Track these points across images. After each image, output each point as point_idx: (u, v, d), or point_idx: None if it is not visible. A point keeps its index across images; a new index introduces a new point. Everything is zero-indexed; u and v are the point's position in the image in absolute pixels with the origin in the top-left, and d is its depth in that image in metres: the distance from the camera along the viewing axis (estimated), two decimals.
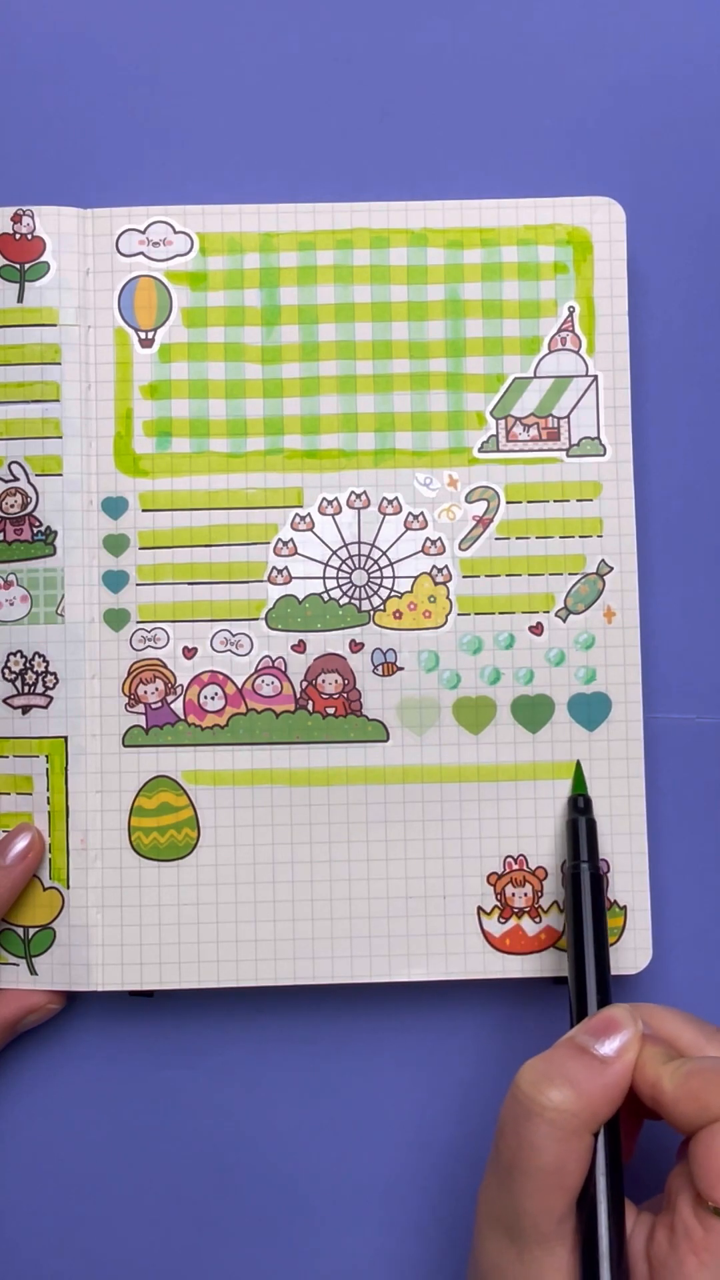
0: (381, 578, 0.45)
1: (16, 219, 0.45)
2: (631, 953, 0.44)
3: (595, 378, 0.45)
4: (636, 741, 0.44)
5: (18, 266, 0.45)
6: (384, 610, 0.45)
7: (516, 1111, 0.36)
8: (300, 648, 0.45)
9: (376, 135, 0.47)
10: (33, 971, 0.44)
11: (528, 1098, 0.36)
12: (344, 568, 0.45)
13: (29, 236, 0.45)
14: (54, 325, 0.45)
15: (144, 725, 0.44)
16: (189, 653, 0.45)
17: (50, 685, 0.44)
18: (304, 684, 0.44)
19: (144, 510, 0.45)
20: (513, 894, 0.44)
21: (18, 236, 0.45)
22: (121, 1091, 0.45)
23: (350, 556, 0.45)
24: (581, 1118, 0.36)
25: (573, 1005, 0.41)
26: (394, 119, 0.47)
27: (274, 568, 0.45)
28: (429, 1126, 0.45)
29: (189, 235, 0.45)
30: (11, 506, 0.44)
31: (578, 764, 0.44)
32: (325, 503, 0.45)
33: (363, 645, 0.45)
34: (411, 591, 0.45)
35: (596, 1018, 0.38)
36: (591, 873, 0.42)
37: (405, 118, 0.47)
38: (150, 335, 0.45)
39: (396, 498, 0.45)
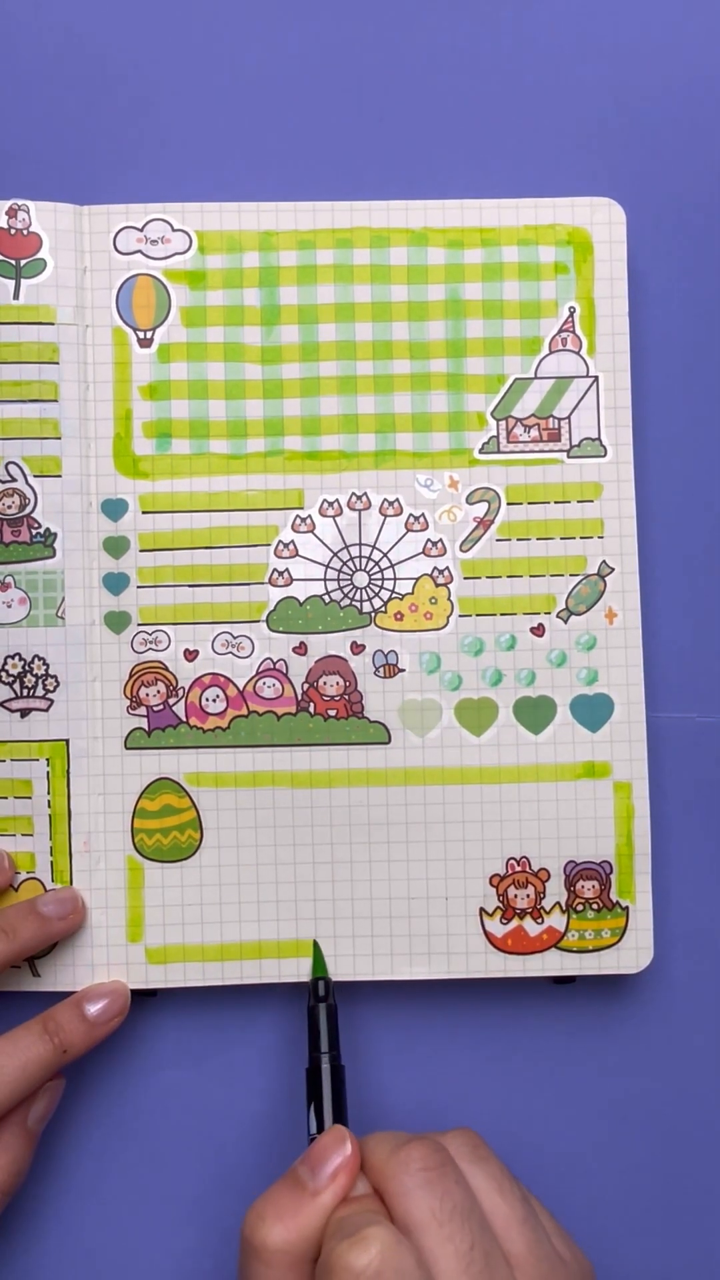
0: (383, 579, 0.45)
1: (12, 213, 0.44)
2: (633, 953, 0.44)
3: (596, 378, 0.45)
4: (640, 743, 0.44)
5: (13, 262, 0.44)
6: (385, 612, 0.45)
7: (242, 1253, 0.36)
8: (301, 650, 0.45)
9: (376, 135, 0.47)
10: (35, 973, 0.43)
11: (245, 1240, 0.35)
12: (345, 569, 0.45)
13: (24, 232, 0.44)
14: (51, 324, 0.44)
15: (146, 728, 0.44)
16: (190, 655, 0.44)
17: (51, 688, 0.44)
18: (305, 686, 0.44)
19: (144, 512, 0.45)
20: (515, 895, 0.44)
21: (13, 231, 0.44)
22: (121, 1091, 0.45)
23: (351, 558, 0.45)
24: (295, 1253, 0.35)
25: None
26: (394, 119, 0.47)
27: (275, 570, 0.45)
28: (429, 1126, 0.45)
29: (187, 233, 0.45)
30: (9, 507, 0.44)
31: (315, 945, 0.43)
32: (326, 504, 0.45)
33: (364, 647, 0.45)
34: (413, 593, 0.45)
35: (311, 1147, 0.38)
36: (332, 1065, 0.41)
37: (405, 118, 0.47)
38: (149, 335, 0.45)
39: (397, 499, 0.45)
